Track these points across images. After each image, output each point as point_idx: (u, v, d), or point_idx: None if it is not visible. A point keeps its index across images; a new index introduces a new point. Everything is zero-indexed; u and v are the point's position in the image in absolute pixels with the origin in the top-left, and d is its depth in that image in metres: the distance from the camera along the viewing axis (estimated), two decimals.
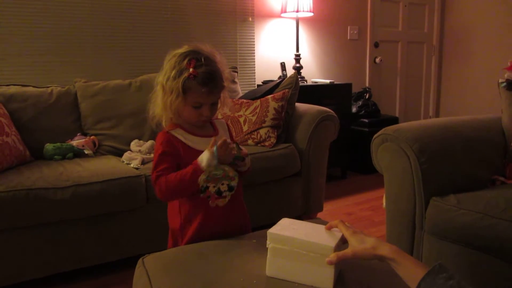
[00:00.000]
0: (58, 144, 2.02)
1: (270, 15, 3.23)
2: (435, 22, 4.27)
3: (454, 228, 1.31)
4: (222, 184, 1.12)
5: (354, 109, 3.44)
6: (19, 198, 1.52)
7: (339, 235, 0.89)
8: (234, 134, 2.19)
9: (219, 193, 1.13)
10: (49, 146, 2.00)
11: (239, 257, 1.01)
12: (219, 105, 1.20)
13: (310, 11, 3.04)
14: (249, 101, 2.34)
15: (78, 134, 2.15)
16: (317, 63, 3.55)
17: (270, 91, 2.39)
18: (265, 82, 3.02)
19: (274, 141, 2.18)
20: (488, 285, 1.29)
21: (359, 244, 0.82)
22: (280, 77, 3.13)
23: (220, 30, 2.96)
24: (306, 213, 2.29)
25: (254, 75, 3.16)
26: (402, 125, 1.54)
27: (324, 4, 3.49)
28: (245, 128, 2.23)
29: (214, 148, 1.07)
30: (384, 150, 1.53)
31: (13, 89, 2.10)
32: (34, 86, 2.19)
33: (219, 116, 1.99)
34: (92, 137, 2.15)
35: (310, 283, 0.88)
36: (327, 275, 0.86)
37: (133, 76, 2.47)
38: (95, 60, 2.53)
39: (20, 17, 2.29)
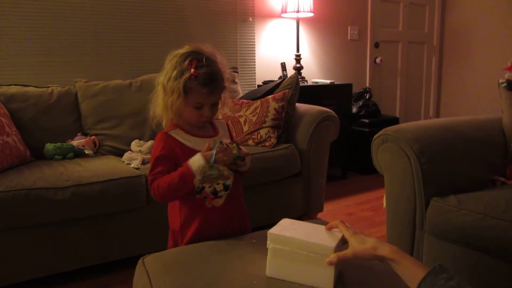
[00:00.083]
0: (59, 144, 2.02)
1: (271, 15, 3.23)
2: (436, 22, 4.27)
3: (454, 228, 1.31)
4: (218, 183, 1.12)
5: (354, 110, 3.44)
6: (20, 198, 1.53)
7: (339, 235, 0.89)
8: (234, 134, 2.19)
9: (214, 193, 1.13)
10: (49, 146, 2.00)
11: (239, 257, 1.02)
12: (219, 106, 1.20)
13: (311, 12, 3.04)
14: (250, 101, 2.34)
15: (79, 134, 2.15)
16: (317, 63, 3.55)
17: (271, 91, 2.39)
18: (265, 83, 3.02)
19: (275, 142, 2.18)
20: (488, 285, 1.29)
21: (359, 245, 0.82)
22: (280, 77, 3.13)
23: (220, 30, 2.96)
24: (307, 213, 2.29)
25: (255, 75, 3.17)
26: (402, 125, 1.54)
27: (325, 4, 3.49)
28: (245, 128, 2.23)
29: (213, 154, 1.07)
30: (384, 151, 1.53)
31: (13, 89, 2.11)
32: (34, 86, 2.19)
33: (220, 116, 1.99)
34: (92, 137, 2.15)
35: (310, 284, 0.88)
36: (327, 275, 0.86)
37: (134, 76, 2.47)
38: (96, 60, 2.53)
39: (21, 17, 2.29)
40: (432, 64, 4.37)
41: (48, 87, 2.22)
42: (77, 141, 2.07)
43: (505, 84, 1.73)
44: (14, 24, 2.28)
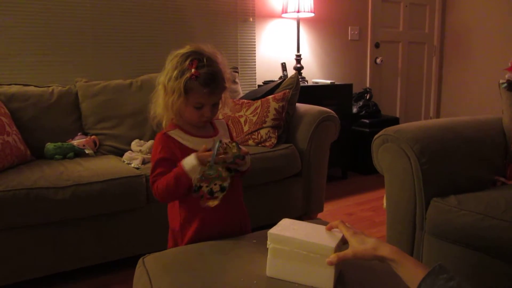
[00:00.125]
0: (59, 143, 2.02)
1: (271, 15, 3.23)
2: (436, 23, 4.27)
3: (455, 228, 1.31)
4: (215, 184, 1.12)
5: (354, 110, 3.44)
6: (20, 198, 1.53)
7: (339, 235, 0.89)
8: (234, 134, 2.19)
9: (211, 193, 1.12)
10: (50, 146, 2.00)
11: (240, 257, 1.02)
12: (220, 106, 1.20)
13: (311, 12, 3.04)
14: (250, 101, 2.34)
15: (79, 133, 2.15)
16: (317, 64, 3.55)
17: (271, 91, 2.39)
18: (265, 83, 3.02)
19: (275, 142, 2.18)
20: (488, 286, 1.29)
21: (359, 245, 0.82)
22: (280, 77, 3.13)
23: (221, 30, 2.96)
24: (307, 213, 2.29)
25: (255, 76, 3.17)
26: (402, 125, 1.54)
27: (325, 4, 3.49)
28: (245, 128, 2.23)
29: (213, 154, 1.07)
30: (384, 151, 1.53)
31: (14, 89, 2.11)
32: (35, 86, 2.19)
33: (220, 116, 1.99)
34: (93, 136, 2.15)
35: (311, 284, 0.88)
36: (328, 275, 0.86)
37: (134, 76, 2.47)
38: (96, 59, 2.53)
39: (21, 17, 2.29)
40: (433, 64, 4.37)
41: (49, 86, 2.22)
42: (78, 141, 2.07)
43: (505, 84, 1.73)
44: (15, 23, 2.28)
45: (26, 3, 2.29)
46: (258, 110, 2.24)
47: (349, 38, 3.71)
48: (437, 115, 4.49)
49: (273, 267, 0.91)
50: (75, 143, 2.05)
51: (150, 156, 2.00)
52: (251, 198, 1.67)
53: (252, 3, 3.07)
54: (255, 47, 3.14)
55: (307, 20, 3.39)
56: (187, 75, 1.08)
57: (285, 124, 2.29)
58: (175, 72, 1.10)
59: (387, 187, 1.58)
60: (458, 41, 4.23)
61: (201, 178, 1.09)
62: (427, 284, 0.71)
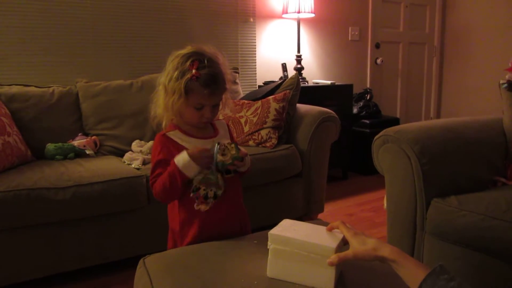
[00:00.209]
0: (60, 144, 2.02)
1: (272, 16, 3.23)
2: (436, 23, 4.27)
3: (455, 229, 1.31)
4: (211, 190, 1.13)
5: (355, 110, 3.44)
6: (21, 198, 1.53)
7: (340, 236, 0.89)
8: (235, 135, 2.19)
9: (205, 197, 1.13)
10: (50, 146, 2.00)
11: (240, 258, 1.02)
12: (220, 107, 1.20)
13: (312, 12, 3.04)
14: (250, 102, 2.34)
15: (80, 134, 2.15)
16: (318, 64, 3.55)
17: (271, 92, 2.39)
18: (266, 83, 3.02)
19: (275, 142, 2.18)
20: (489, 286, 1.29)
21: (360, 245, 0.82)
22: (281, 78, 3.13)
23: (221, 30, 2.96)
24: (307, 214, 2.29)
25: (255, 76, 3.17)
26: (403, 126, 1.54)
27: (325, 5, 3.49)
28: (246, 129, 2.24)
29: (215, 159, 1.08)
30: (385, 151, 1.53)
31: (15, 89, 2.11)
32: (36, 86, 2.19)
33: (220, 117, 1.99)
34: (93, 137, 2.15)
35: (311, 284, 0.88)
36: (328, 276, 0.86)
37: (135, 76, 2.47)
38: (97, 60, 2.53)
39: (22, 17, 2.29)
40: (433, 65, 4.37)
41: (49, 87, 2.22)
42: (78, 141, 2.07)
43: (505, 84, 1.73)
44: (15, 24, 2.28)
45: (27, 3, 2.29)
46: (259, 111, 2.24)
47: (350, 39, 3.71)
48: (438, 116, 4.49)
49: (273, 267, 0.91)
50: (75, 144, 2.05)
51: (150, 157, 2.00)
52: (251, 199, 1.67)
53: (253, 3, 3.07)
54: (255, 48, 3.14)
55: (308, 21, 3.39)
56: (188, 76, 1.08)
57: (286, 125, 2.29)
58: (176, 73, 1.10)
59: (387, 187, 1.58)
60: (459, 41, 4.23)
61: (202, 181, 1.10)
62: (428, 284, 0.71)
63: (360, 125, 3.39)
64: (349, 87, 3.24)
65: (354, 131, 3.35)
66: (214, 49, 1.16)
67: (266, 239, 0.92)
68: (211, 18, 2.90)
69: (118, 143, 2.21)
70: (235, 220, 1.22)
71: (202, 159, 1.10)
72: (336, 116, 2.28)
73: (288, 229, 0.93)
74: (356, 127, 3.39)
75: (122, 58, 2.61)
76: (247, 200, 1.29)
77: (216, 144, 1.10)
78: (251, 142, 2.21)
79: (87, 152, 2.05)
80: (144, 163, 1.96)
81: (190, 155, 1.09)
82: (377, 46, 3.89)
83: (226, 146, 1.11)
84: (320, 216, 2.39)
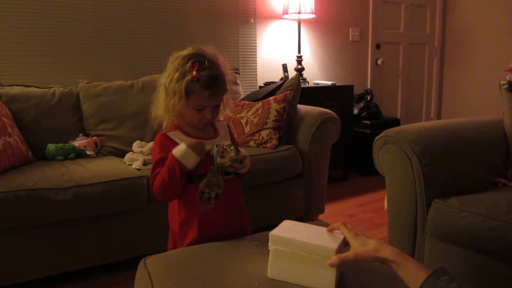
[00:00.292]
0: (60, 144, 2.02)
1: (272, 16, 3.23)
2: (437, 24, 4.27)
3: (456, 230, 1.31)
4: (213, 190, 1.13)
5: (355, 111, 3.44)
6: (21, 198, 1.53)
7: (341, 237, 0.90)
8: (235, 135, 2.19)
9: (209, 198, 1.14)
10: (51, 147, 2.00)
11: (241, 259, 1.02)
12: (221, 108, 1.20)
13: (312, 13, 3.04)
14: (251, 102, 2.34)
15: (80, 134, 2.16)
16: (318, 65, 3.55)
17: (272, 92, 2.40)
18: (267, 84, 3.02)
19: (276, 143, 2.18)
20: (489, 287, 1.29)
21: (361, 247, 0.82)
22: (282, 78, 3.13)
23: (222, 31, 2.96)
24: (308, 215, 2.29)
25: (256, 77, 3.17)
26: (403, 127, 1.54)
27: (326, 5, 3.49)
28: (246, 129, 2.24)
29: (215, 162, 1.09)
30: (385, 152, 1.53)
31: (15, 90, 2.11)
32: (36, 87, 2.19)
33: (221, 118, 1.99)
34: (94, 138, 2.15)
35: (312, 285, 0.88)
36: (329, 277, 0.86)
37: (136, 77, 2.47)
38: (98, 61, 2.54)
39: (23, 18, 2.29)
40: (434, 66, 4.37)
41: (50, 87, 2.23)
42: (79, 142, 2.07)
43: (506, 85, 1.73)
44: (16, 24, 2.28)
45: (28, 4, 2.30)
46: (259, 112, 2.24)
47: (350, 39, 3.71)
48: (438, 117, 4.49)
49: (274, 268, 0.91)
50: (76, 144, 2.05)
51: (151, 158, 2.00)
52: (252, 200, 1.67)
53: (253, 4, 3.07)
54: (256, 48, 3.14)
55: (308, 21, 3.39)
56: (188, 77, 1.09)
57: (286, 126, 2.29)
58: (177, 74, 1.10)
59: (388, 188, 1.58)
60: (459, 42, 4.23)
61: (206, 184, 1.11)
62: (429, 286, 0.71)
63: (360, 125, 3.39)
64: (349, 88, 3.24)
65: (355, 132, 3.35)
66: (214, 50, 1.16)
67: (266, 240, 0.92)
68: (212, 19, 2.90)
69: (119, 144, 2.21)
70: (235, 221, 1.22)
71: (200, 149, 1.11)
72: (337, 116, 2.28)
73: (288, 230, 0.93)
74: (357, 127, 3.38)
75: (123, 58, 2.61)
76: (248, 200, 1.29)
77: (215, 146, 1.10)
78: (251, 143, 2.21)
79: (88, 152, 2.06)
80: (145, 163, 1.96)
81: (188, 145, 1.10)
82: (378, 46, 3.89)
83: (225, 148, 1.11)
84: (320, 217, 2.39)
